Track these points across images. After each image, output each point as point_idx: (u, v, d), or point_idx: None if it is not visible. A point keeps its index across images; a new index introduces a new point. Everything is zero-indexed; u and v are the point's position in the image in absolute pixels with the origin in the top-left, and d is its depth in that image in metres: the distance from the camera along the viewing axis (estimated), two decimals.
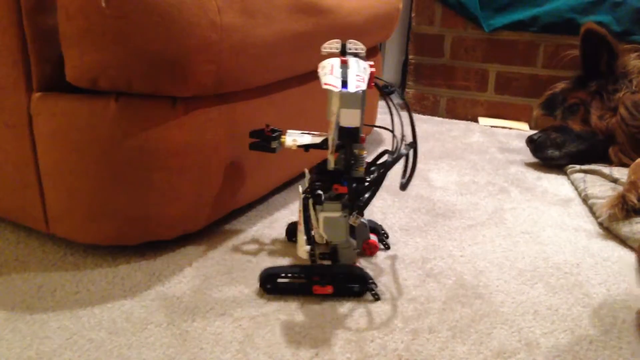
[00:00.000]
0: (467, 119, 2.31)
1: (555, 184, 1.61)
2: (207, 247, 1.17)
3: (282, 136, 1.08)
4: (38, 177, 1.07)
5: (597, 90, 1.68)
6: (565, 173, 1.69)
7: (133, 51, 0.94)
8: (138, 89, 0.98)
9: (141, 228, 1.08)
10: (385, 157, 1.01)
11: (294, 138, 1.08)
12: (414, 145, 1.00)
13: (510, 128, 2.15)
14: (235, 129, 1.17)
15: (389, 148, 1.03)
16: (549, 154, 1.70)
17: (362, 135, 0.98)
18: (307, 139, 1.07)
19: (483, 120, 2.24)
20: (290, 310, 0.97)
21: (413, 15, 2.27)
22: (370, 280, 1.01)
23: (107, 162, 1.01)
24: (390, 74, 2.56)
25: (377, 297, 1.01)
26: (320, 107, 1.48)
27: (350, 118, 0.88)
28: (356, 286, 1.01)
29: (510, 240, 1.25)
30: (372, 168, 1.02)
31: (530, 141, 1.75)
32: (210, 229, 1.23)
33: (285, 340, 0.90)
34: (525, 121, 2.19)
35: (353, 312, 0.97)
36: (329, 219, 0.99)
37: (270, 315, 0.96)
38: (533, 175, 1.69)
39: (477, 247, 1.21)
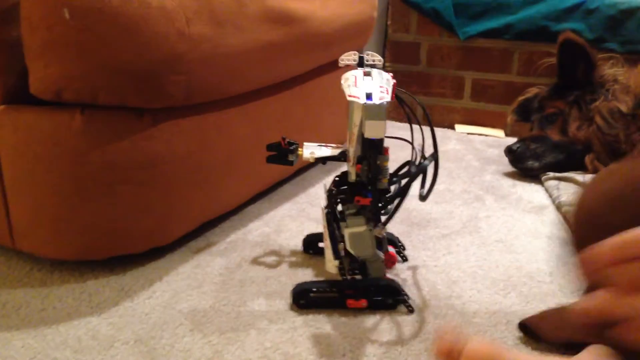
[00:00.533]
0: (443, 126, 2.31)
1: (530, 191, 1.62)
2: (178, 261, 1.15)
3: (299, 149, 1.06)
4: (2, 191, 1.05)
5: (576, 100, 1.69)
6: (539, 180, 1.69)
7: (98, 63, 0.92)
8: (104, 101, 0.96)
9: (109, 242, 1.06)
10: (406, 168, 1.01)
11: (311, 151, 1.05)
12: (435, 156, 0.99)
13: (487, 135, 2.16)
14: (207, 139, 1.16)
15: (409, 158, 1.03)
16: (528, 165, 1.71)
17: (386, 146, 0.96)
18: (324, 151, 1.04)
19: (460, 127, 2.25)
20: (261, 325, 0.96)
21: (389, 22, 2.27)
22: (403, 292, 1.01)
23: (72, 176, 0.99)
24: None
25: (411, 310, 1.00)
26: (295, 116, 1.47)
27: (375, 130, 0.87)
28: (390, 299, 1.00)
29: (485, 249, 1.25)
30: (394, 179, 1.01)
31: (509, 151, 1.75)
32: (181, 242, 1.21)
33: (256, 356, 0.88)
34: (502, 128, 2.20)
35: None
36: (355, 235, 0.97)
37: (240, 331, 0.94)
38: (508, 182, 1.69)
39: (451, 257, 1.21)
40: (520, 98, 1.81)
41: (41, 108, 0.98)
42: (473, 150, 2.01)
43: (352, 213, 0.98)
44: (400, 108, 1.00)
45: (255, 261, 1.16)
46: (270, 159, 1.07)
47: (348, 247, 0.99)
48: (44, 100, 0.97)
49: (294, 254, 1.20)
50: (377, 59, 0.96)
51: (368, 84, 0.89)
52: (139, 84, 0.97)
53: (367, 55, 0.96)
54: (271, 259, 1.17)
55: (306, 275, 1.12)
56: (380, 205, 0.98)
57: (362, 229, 0.97)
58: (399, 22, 2.26)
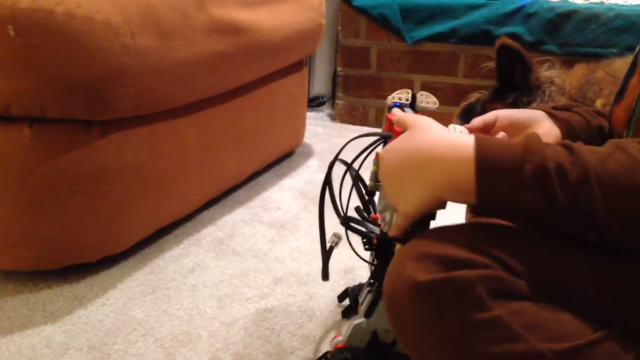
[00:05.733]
0: None
1: None
2: (131, 268, 1.18)
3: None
4: None
5: (514, 102, 1.76)
6: None
7: (45, 78, 0.95)
8: (52, 114, 0.98)
9: (62, 252, 1.08)
10: None
11: None
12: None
13: None
14: (157, 149, 1.19)
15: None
16: None
17: None
18: None
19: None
20: (212, 327, 0.99)
21: (339, 28, 2.32)
22: None
23: (23, 188, 1.01)
24: (320, 86, 2.60)
25: None
26: (245, 123, 1.50)
27: None
28: None
29: None
30: None
31: None
32: (135, 249, 1.23)
33: (208, 358, 0.92)
34: None
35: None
36: None
37: (192, 333, 0.98)
38: None
39: None
40: (463, 103, 1.87)
41: None
42: None
43: None
44: None
45: (208, 266, 1.20)
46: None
47: (374, 316, 0.86)
48: None
49: (247, 258, 1.24)
50: (432, 100, 0.83)
51: None
52: (86, 98, 0.99)
53: (422, 96, 0.83)
54: (224, 263, 1.21)
55: (258, 278, 1.16)
56: None
57: None
58: (349, 27, 2.31)
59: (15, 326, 0.98)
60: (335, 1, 2.33)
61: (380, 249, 0.81)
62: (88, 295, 1.07)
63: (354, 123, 2.42)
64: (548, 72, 1.73)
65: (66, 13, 0.92)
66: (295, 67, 1.75)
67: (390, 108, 0.78)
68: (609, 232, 0.52)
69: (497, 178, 0.55)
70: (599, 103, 1.64)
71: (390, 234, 0.68)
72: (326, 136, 2.15)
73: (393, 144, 0.65)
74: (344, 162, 0.80)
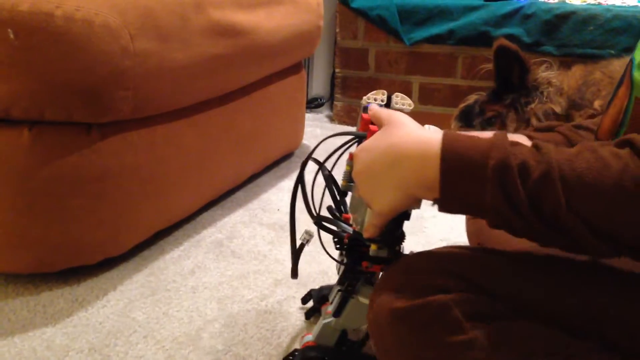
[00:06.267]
0: None
1: None
2: (131, 270, 1.18)
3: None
4: None
5: (512, 103, 1.77)
6: None
7: (44, 81, 0.95)
8: (51, 117, 0.99)
9: (62, 255, 1.08)
10: None
11: None
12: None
13: None
14: (156, 151, 1.19)
15: None
16: None
17: None
18: None
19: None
20: (213, 329, 1.00)
21: (337, 30, 2.33)
22: None
23: (23, 191, 1.01)
24: (319, 88, 2.61)
25: None
26: (243, 125, 1.51)
27: None
28: None
29: (429, 248, 1.31)
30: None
31: None
32: (135, 251, 1.24)
33: (209, 359, 0.92)
34: (449, 129, 2.27)
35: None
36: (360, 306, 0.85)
37: (193, 335, 0.98)
38: None
39: None
40: (462, 105, 1.88)
41: None
42: None
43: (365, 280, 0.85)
44: None
45: (208, 267, 1.20)
46: None
47: (343, 315, 0.87)
48: None
49: (246, 259, 1.24)
50: (407, 102, 0.82)
51: None
52: (86, 100, 0.99)
53: (397, 97, 0.83)
54: (223, 265, 1.21)
55: (258, 280, 1.16)
56: None
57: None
58: (347, 29, 2.32)
59: (15, 328, 0.99)
60: (333, 3, 2.33)
61: (351, 248, 0.81)
62: (88, 298, 1.08)
63: (352, 124, 2.42)
64: (546, 74, 1.73)
65: (65, 16, 0.93)
66: (294, 68, 1.76)
67: (365, 108, 0.78)
68: (572, 233, 0.51)
69: (460, 173, 0.54)
70: (597, 104, 1.64)
71: (366, 234, 0.68)
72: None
73: (367, 142, 0.65)
74: (317, 162, 0.81)
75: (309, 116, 2.36)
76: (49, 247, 1.06)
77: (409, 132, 0.61)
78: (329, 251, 0.84)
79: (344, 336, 0.88)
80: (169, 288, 1.12)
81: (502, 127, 1.77)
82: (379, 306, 0.60)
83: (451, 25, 2.13)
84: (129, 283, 1.13)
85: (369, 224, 0.67)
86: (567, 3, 2.03)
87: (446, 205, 0.57)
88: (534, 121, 1.69)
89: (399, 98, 0.82)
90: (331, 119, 2.43)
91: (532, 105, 1.67)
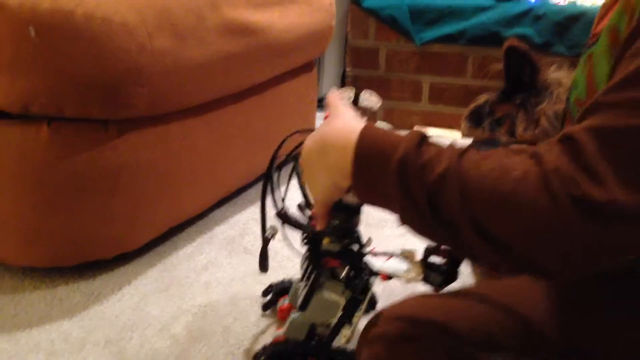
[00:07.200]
0: (404, 129, 2.38)
1: None
2: (145, 265, 1.19)
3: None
4: None
5: (522, 103, 1.77)
6: None
7: (63, 77, 0.97)
8: (70, 113, 1.00)
9: (77, 249, 1.10)
10: None
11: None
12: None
13: (444, 137, 2.24)
14: (171, 148, 1.20)
15: None
16: None
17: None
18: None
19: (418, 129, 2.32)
20: (226, 323, 1.01)
21: (348, 29, 2.34)
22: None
23: (40, 187, 1.03)
24: (329, 87, 2.62)
25: None
26: (256, 123, 1.52)
27: None
28: None
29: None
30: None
31: None
32: (149, 247, 1.25)
33: (222, 353, 0.93)
34: (459, 129, 2.28)
35: None
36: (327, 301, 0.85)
37: (207, 329, 0.99)
38: None
39: None
40: (472, 105, 1.88)
41: (8, 121, 1.02)
42: None
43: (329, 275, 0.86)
44: None
45: (221, 263, 1.21)
46: None
47: (309, 309, 0.87)
48: (11, 113, 1.01)
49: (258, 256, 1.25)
50: (375, 100, 0.87)
51: None
52: (103, 96, 1.01)
53: (365, 94, 0.87)
54: (236, 261, 1.23)
55: (270, 276, 1.17)
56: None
57: (336, 298, 0.85)
58: (358, 28, 2.32)
59: (33, 321, 1.00)
60: (345, 2, 2.34)
61: (313, 242, 0.84)
62: (104, 292, 1.09)
63: None
64: (556, 74, 1.73)
65: (86, 14, 0.94)
66: (306, 67, 1.77)
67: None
68: (461, 234, 0.50)
69: (368, 162, 0.56)
70: None
71: (318, 227, 0.70)
72: None
73: (313, 132, 0.66)
74: (276, 157, 0.83)
75: (319, 115, 2.37)
76: (66, 242, 1.08)
77: (341, 123, 0.62)
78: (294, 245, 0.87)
79: (313, 330, 0.88)
80: (183, 283, 1.13)
81: (512, 127, 1.78)
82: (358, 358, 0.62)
83: (462, 25, 2.14)
84: (143, 278, 1.15)
85: (313, 214, 0.69)
86: (578, 5, 2.04)
87: (358, 193, 0.58)
88: (543, 122, 1.69)
89: (367, 95, 0.86)
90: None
91: (542, 106, 1.67)
